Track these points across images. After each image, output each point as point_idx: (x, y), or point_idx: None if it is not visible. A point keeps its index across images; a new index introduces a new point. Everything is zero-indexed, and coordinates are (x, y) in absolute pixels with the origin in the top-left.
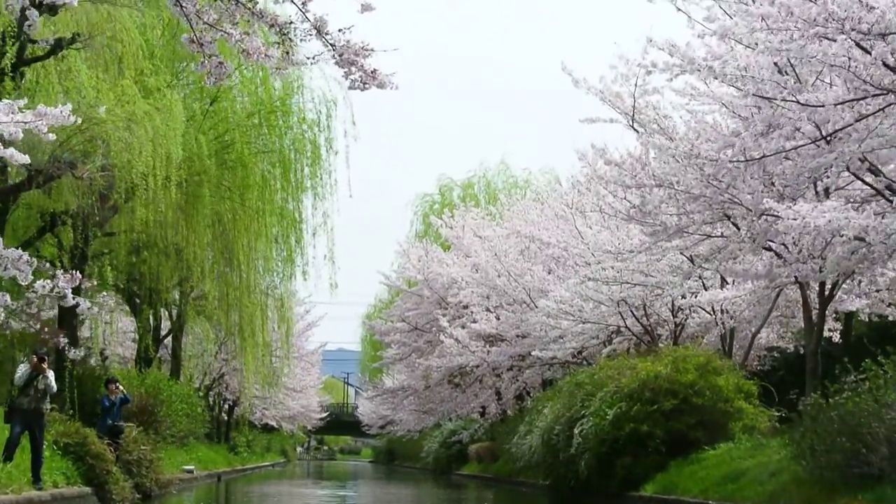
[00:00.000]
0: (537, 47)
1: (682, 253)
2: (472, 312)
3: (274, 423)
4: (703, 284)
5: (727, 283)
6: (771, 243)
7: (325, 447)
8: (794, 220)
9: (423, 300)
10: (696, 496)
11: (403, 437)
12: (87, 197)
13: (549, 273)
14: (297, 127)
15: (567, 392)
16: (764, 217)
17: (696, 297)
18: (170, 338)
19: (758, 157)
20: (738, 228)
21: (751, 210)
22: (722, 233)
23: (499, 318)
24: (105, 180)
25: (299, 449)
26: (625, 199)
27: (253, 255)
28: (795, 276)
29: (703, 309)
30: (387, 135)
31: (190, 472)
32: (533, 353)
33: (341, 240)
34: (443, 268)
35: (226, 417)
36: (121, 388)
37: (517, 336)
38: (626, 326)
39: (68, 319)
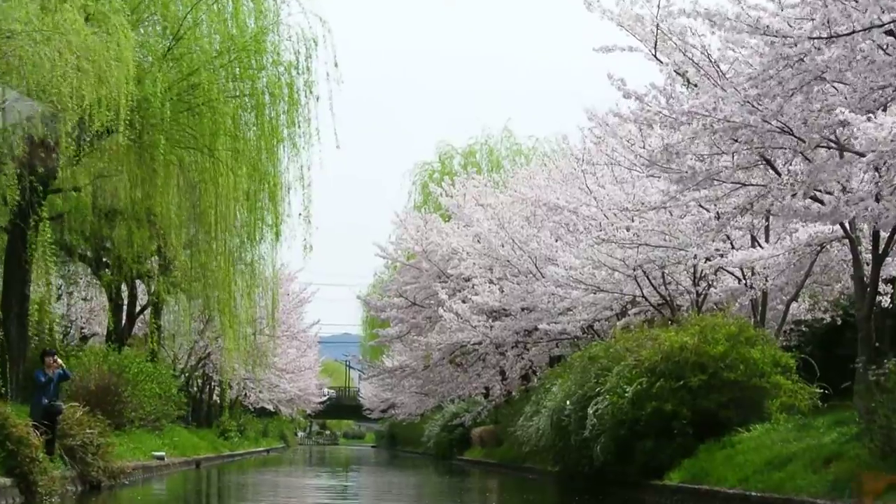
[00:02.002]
0: (541, 12)
1: (702, 206)
2: (473, 285)
3: (270, 407)
4: (732, 245)
5: (758, 244)
6: (817, 192)
7: (328, 432)
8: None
9: (421, 273)
10: (734, 486)
11: (404, 420)
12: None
13: (557, 240)
14: (273, 68)
15: (579, 367)
16: (821, 148)
17: (723, 259)
18: (150, 315)
19: (845, 32)
20: (779, 174)
21: (803, 141)
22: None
23: (502, 291)
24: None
25: (300, 434)
26: (643, 147)
27: (226, 216)
28: (862, 221)
29: (732, 273)
30: (384, 100)
31: (160, 458)
32: (540, 328)
33: (339, 217)
34: (442, 238)
35: (217, 400)
36: (59, 361)
37: (522, 309)
38: (643, 296)
39: (16, 287)
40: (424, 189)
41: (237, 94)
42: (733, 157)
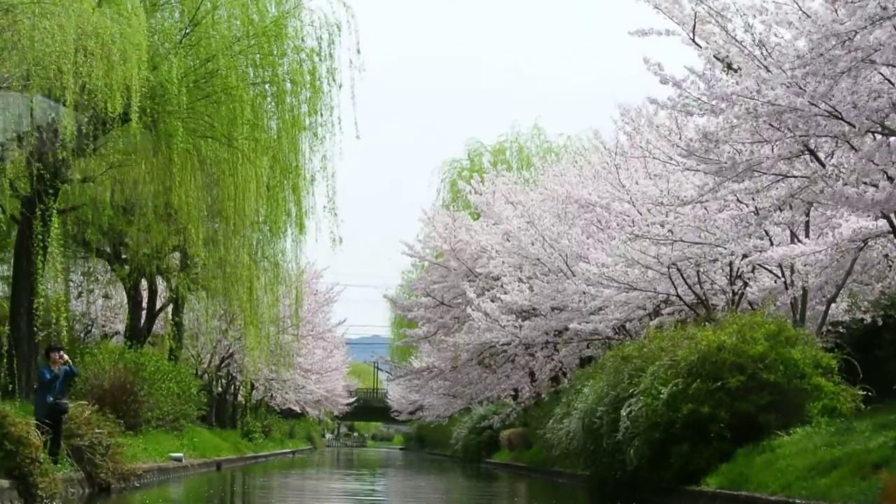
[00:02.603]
0: (574, 9)
1: (740, 200)
2: (502, 284)
3: (297, 408)
4: (771, 241)
5: (798, 240)
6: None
7: (356, 434)
8: None
9: (449, 272)
10: (776, 493)
11: (432, 422)
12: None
13: (589, 238)
14: (294, 55)
15: (611, 368)
16: (873, 134)
17: (762, 255)
18: (171, 313)
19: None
20: (823, 165)
21: (853, 125)
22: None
23: (532, 290)
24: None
25: (328, 436)
26: (680, 138)
27: (245, 209)
28: None
29: (770, 271)
30: (413, 98)
31: (178, 460)
32: (570, 327)
33: (368, 216)
34: (471, 236)
35: (242, 401)
36: (66, 357)
37: (553, 309)
38: (678, 294)
39: (24, 281)
40: (453, 187)
41: (257, 81)
42: (774, 147)
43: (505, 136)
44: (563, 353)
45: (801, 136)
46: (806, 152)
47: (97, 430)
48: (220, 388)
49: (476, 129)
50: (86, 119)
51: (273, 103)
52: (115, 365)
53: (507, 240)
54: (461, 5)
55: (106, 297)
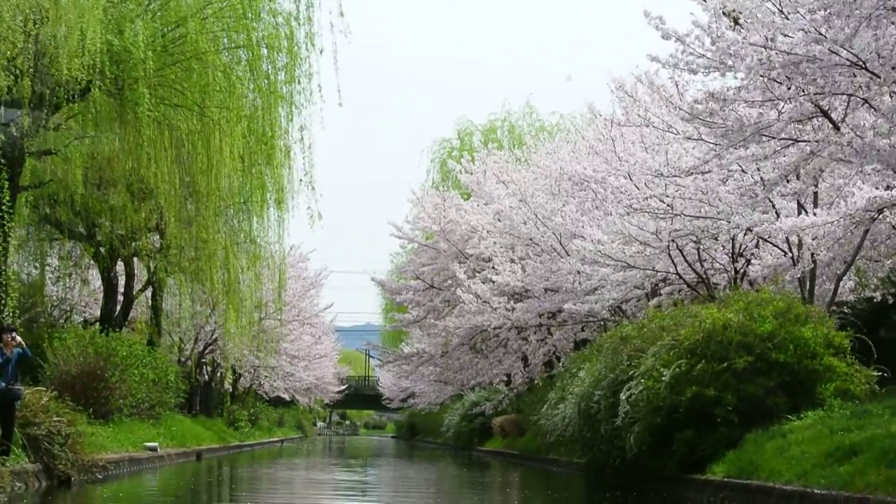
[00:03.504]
0: None
1: (744, 170)
2: (493, 266)
3: (286, 396)
4: (777, 214)
5: (806, 212)
6: None
7: (348, 422)
8: None
9: (439, 254)
10: (791, 482)
11: (423, 410)
12: None
13: (583, 215)
14: (270, 18)
15: (609, 349)
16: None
17: (771, 226)
18: (150, 297)
19: None
20: (837, 128)
21: (878, 76)
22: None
23: (524, 270)
24: None
25: (319, 424)
26: (681, 100)
27: (219, 183)
28: None
29: (777, 247)
30: (401, 75)
31: (153, 449)
32: (565, 307)
33: (361, 202)
34: (461, 216)
35: (230, 388)
36: (18, 339)
37: (546, 290)
38: (677, 273)
39: None
40: (443, 167)
41: (230, 46)
42: (785, 108)
43: (496, 114)
44: (556, 336)
45: (815, 93)
46: (819, 114)
47: (56, 419)
48: (205, 376)
49: (466, 109)
50: (47, 89)
51: (247, 70)
52: (85, 350)
53: (499, 219)
54: None
55: (84, 282)
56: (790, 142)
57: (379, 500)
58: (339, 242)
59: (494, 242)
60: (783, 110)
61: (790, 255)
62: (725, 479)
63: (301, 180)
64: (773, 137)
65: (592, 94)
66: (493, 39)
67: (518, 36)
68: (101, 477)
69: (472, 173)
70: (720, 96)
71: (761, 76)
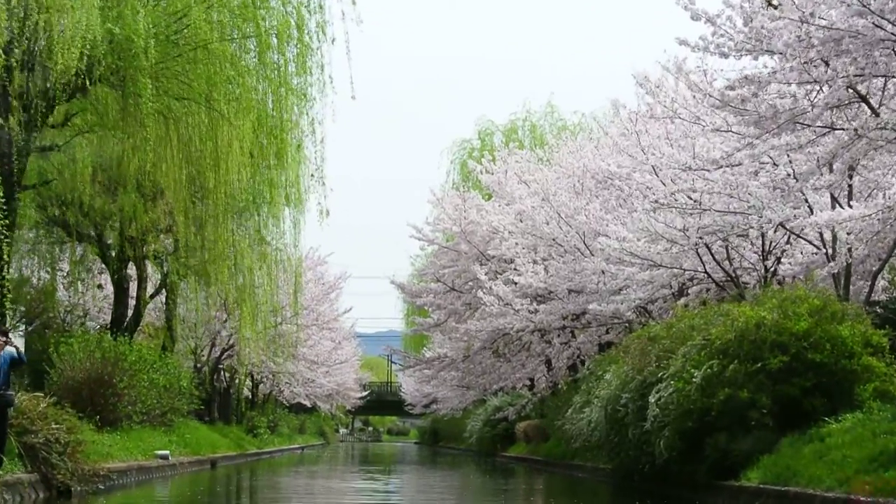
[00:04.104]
0: None
1: (776, 163)
2: (515, 267)
3: (307, 403)
4: (811, 209)
5: (840, 206)
6: None
7: (370, 428)
8: None
9: (460, 256)
10: (833, 488)
11: (446, 415)
12: None
13: (608, 214)
14: (279, 6)
15: (637, 350)
16: None
17: (805, 220)
18: (166, 302)
19: None
20: (876, 113)
21: None
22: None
23: (547, 271)
24: None
25: (342, 430)
26: (711, 87)
27: (228, 179)
28: None
29: (811, 243)
30: (419, 74)
31: (164, 458)
32: (590, 308)
33: (377, 201)
34: (482, 216)
35: (249, 394)
36: (11, 342)
37: (569, 291)
38: (706, 271)
39: None
40: (463, 168)
41: (237, 36)
42: (821, 92)
43: (517, 114)
44: (580, 339)
45: (854, 75)
46: (856, 99)
47: (55, 426)
48: (224, 383)
49: (487, 109)
50: (44, 82)
51: (256, 61)
52: (92, 355)
53: (521, 220)
54: None
55: (99, 286)
56: (826, 130)
57: None
58: (359, 246)
59: (516, 243)
60: (818, 98)
61: (824, 250)
62: (761, 486)
63: (312, 175)
64: (809, 125)
65: (616, 93)
66: (513, 37)
67: (539, 34)
68: (102, 487)
69: (492, 173)
70: (754, 79)
71: (798, 57)
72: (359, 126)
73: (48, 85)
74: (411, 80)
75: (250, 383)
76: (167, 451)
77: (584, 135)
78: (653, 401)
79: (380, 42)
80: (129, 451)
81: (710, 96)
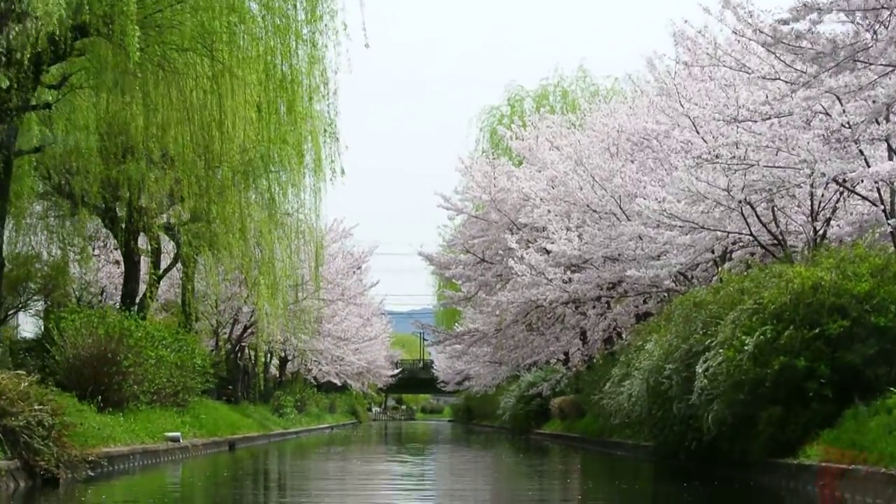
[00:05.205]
0: None
1: (828, 113)
2: (548, 235)
3: (337, 381)
4: (866, 162)
5: None
6: None
7: (404, 407)
8: None
9: (490, 225)
10: None
11: (479, 392)
12: None
13: (645, 176)
14: None
15: (681, 317)
16: None
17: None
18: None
19: None
20: None
21: None
22: None
23: (581, 238)
24: None
25: (375, 409)
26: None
27: (235, 135)
28: None
29: (866, 199)
30: (447, 46)
31: (175, 440)
32: (628, 274)
33: (413, 182)
34: (512, 183)
35: (275, 373)
36: None
37: (605, 259)
38: (751, 234)
39: None
40: (493, 135)
41: None
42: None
43: (548, 79)
44: (616, 310)
45: None
46: None
47: (38, 407)
48: (250, 361)
49: (516, 75)
50: (29, 38)
51: (261, 7)
52: (95, 331)
53: (553, 186)
54: None
55: (116, 263)
56: (890, 68)
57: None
58: (387, 223)
59: (549, 210)
60: (882, 34)
61: (882, 207)
62: (823, 465)
63: (325, 131)
64: (871, 63)
65: (651, 54)
66: (543, 2)
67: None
68: (93, 474)
69: (523, 139)
70: (813, 5)
71: None
72: (382, 96)
73: (34, 38)
74: (439, 52)
75: (277, 361)
76: (178, 433)
77: (617, 99)
78: (700, 371)
79: (404, 15)
80: (135, 433)
81: (761, 32)
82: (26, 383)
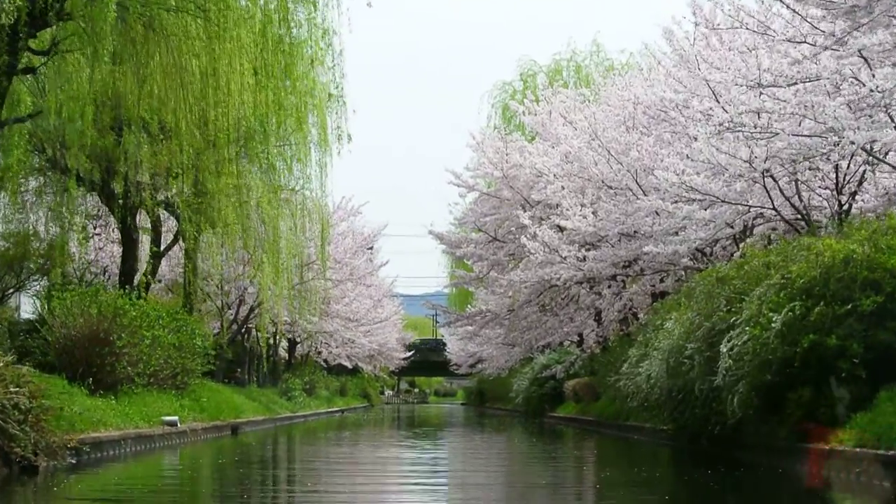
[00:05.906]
0: None
1: (857, 78)
2: (562, 211)
3: (348, 364)
4: None
5: None
6: None
7: (417, 390)
8: None
9: (502, 203)
10: None
11: (491, 375)
12: None
13: (662, 149)
14: None
15: (703, 293)
16: None
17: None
18: (181, 256)
19: None
20: None
21: None
22: None
23: (596, 214)
24: None
25: (388, 392)
26: None
27: (231, 100)
28: None
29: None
30: (458, 9)
31: (172, 424)
32: (645, 250)
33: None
34: (525, 158)
35: (285, 355)
36: None
37: (621, 236)
38: (774, 208)
39: None
40: (505, 111)
41: None
42: None
43: (560, 54)
44: (632, 289)
45: None
46: None
47: (13, 389)
48: (258, 343)
49: (529, 49)
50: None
51: None
52: (86, 310)
53: (567, 161)
54: None
55: (115, 241)
56: None
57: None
58: (397, 201)
59: (562, 187)
60: None
61: None
62: (858, 450)
63: (330, 95)
64: None
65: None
66: None
67: None
68: (75, 462)
69: (536, 114)
70: None
71: None
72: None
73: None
74: (449, 26)
75: (286, 344)
76: (176, 417)
77: (633, 73)
78: (724, 350)
79: None
80: (129, 417)
81: None
82: (2, 363)
